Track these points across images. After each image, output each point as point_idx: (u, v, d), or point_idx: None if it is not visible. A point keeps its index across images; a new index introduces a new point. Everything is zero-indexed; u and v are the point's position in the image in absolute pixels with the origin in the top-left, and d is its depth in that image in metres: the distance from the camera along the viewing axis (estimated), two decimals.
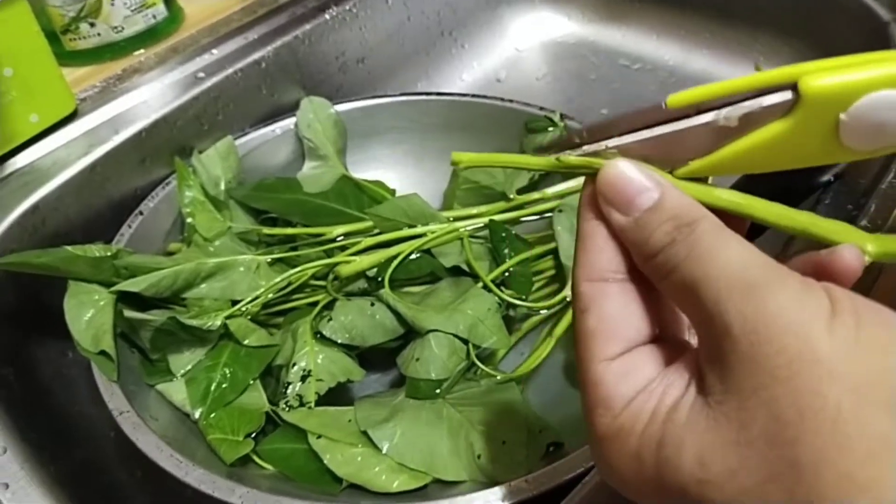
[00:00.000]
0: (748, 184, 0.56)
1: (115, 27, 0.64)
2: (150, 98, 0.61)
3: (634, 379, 0.23)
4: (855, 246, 0.23)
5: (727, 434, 0.19)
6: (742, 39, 0.82)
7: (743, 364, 0.19)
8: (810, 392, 0.18)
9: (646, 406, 0.22)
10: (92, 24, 0.62)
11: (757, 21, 0.80)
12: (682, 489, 0.20)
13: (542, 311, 0.54)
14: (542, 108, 0.63)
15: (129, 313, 0.48)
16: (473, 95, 0.67)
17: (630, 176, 0.23)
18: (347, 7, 0.72)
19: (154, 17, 0.66)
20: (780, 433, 0.18)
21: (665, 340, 0.24)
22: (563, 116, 0.62)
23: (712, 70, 0.83)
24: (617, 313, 0.24)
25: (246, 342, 0.50)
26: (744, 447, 0.19)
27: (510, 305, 0.51)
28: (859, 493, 0.17)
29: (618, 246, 0.24)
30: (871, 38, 0.68)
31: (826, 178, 0.53)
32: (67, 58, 0.63)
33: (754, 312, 0.19)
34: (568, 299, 0.51)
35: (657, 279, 0.23)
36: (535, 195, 0.58)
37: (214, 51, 0.66)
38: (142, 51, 0.66)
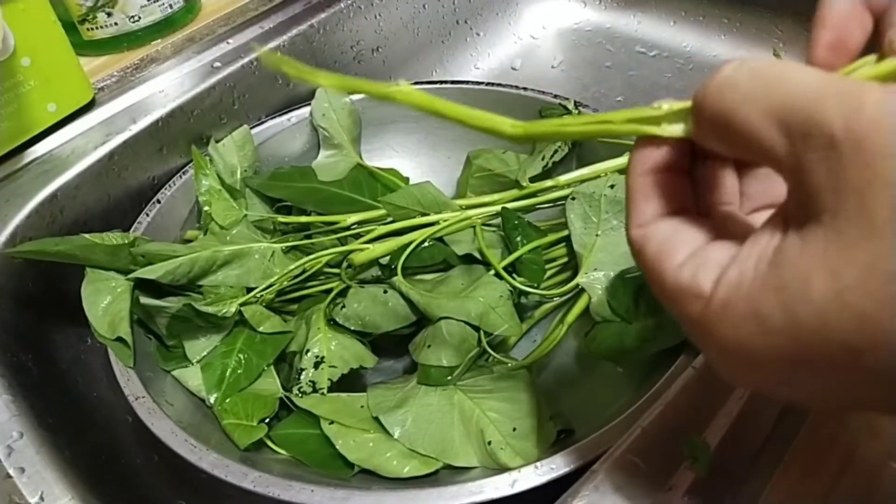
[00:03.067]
0: None
1: (132, 17, 0.64)
2: (166, 87, 0.61)
3: (714, 262, 0.22)
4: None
5: (855, 234, 0.18)
6: (761, 25, 0.81)
7: (856, 163, 0.18)
8: None
9: (743, 270, 0.21)
10: (109, 14, 0.63)
11: (776, 6, 0.79)
12: (821, 315, 0.19)
13: (554, 299, 0.54)
14: (556, 96, 0.63)
15: (145, 300, 0.48)
16: (487, 83, 0.67)
17: None
18: None
19: (171, 6, 0.66)
20: None
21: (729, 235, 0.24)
22: (577, 104, 0.62)
23: (730, 57, 0.82)
24: (671, 232, 0.24)
25: (260, 329, 0.50)
26: (878, 239, 0.18)
27: (522, 293, 0.51)
28: None
29: (663, 193, 0.26)
30: None
31: None
32: (85, 47, 0.64)
33: (854, 112, 0.19)
34: (580, 287, 0.51)
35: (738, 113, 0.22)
36: (549, 183, 0.58)
37: (230, 40, 0.66)
38: (159, 40, 0.66)
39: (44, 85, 0.55)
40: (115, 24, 0.64)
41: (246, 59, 0.64)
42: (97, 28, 0.63)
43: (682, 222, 0.25)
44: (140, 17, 0.65)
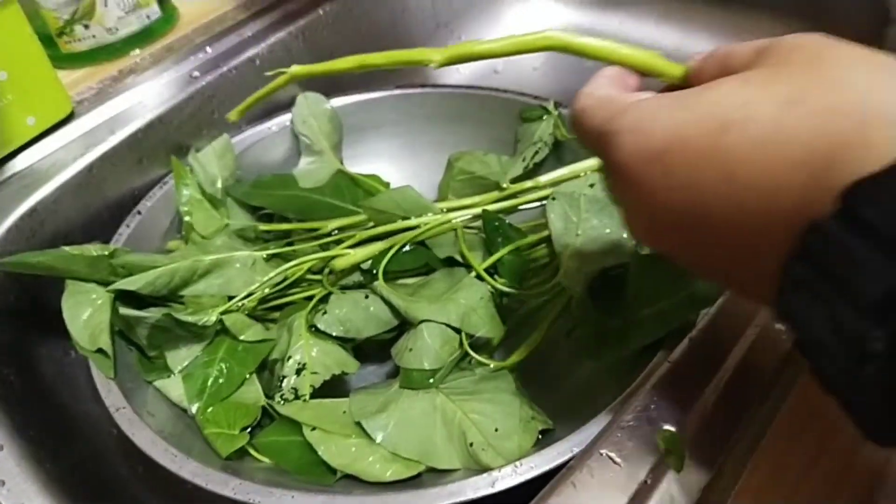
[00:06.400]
0: None
1: (110, 28, 0.64)
2: (145, 98, 0.61)
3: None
4: None
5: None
6: (742, 23, 0.81)
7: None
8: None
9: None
10: (86, 27, 0.63)
11: (757, 4, 0.79)
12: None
13: (535, 300, 0.53)
14: (536, 98, 0.63)
15: (125, 311, 0.48)
16: (468, 87, 0.67)
17: None
18: (341, 1, 0.72)
19: (148, 17, 0.66)
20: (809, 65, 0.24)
21: None
22: (556, 105, 0.62)
23: None
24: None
25: (242, 337, 0.50)
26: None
27: (503, 294, 0.51)
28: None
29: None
30: (874, 21, 0.67)
31: None
32: (64, 60, 0.64)
33: None
34: (561, 286, 0.51)
35: None
36: (529, 184, 0.58)
37: (209, 49, 0.66)
38: (137, 51, 0.66)
39: (22, 99, 0.55)
40: (93, 36, 0.64)
41: (225, 68, 0.64)
42: (75, 41, 0.63)
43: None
44: (118, 29, 0.65)
